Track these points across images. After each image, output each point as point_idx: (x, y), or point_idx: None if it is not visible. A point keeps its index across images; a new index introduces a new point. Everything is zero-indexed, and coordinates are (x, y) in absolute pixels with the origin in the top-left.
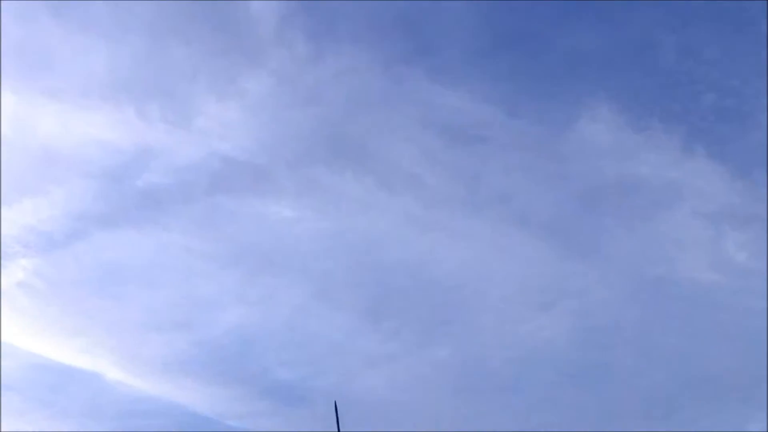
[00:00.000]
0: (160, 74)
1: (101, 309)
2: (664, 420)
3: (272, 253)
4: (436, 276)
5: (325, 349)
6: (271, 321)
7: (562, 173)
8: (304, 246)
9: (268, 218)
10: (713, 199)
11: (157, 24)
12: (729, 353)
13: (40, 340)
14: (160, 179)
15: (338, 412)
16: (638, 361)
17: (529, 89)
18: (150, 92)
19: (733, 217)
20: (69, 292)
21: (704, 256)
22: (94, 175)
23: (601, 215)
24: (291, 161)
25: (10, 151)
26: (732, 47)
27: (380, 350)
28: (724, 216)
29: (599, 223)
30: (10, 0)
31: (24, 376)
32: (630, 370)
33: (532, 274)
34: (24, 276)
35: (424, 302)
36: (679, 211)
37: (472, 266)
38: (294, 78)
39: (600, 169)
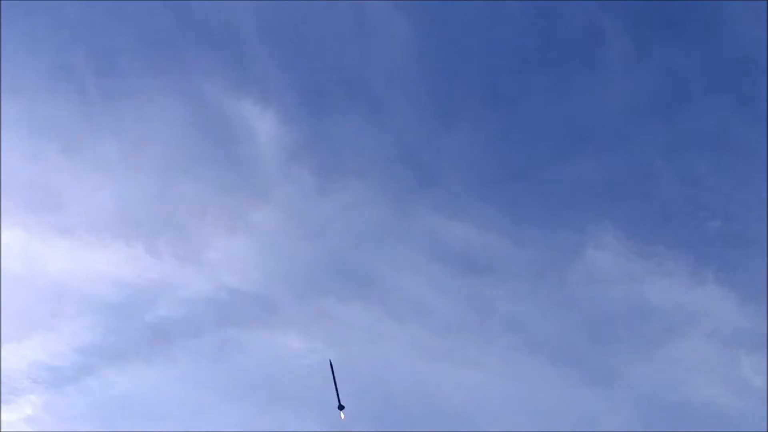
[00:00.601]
0: (170, 210)
1: None
2: None
3: (281, 384)
4: (447, 404)
5: None
6: None
7: (572, 300)
8: (313, 376)
9: (276, 350)
10: (725, 323)
11: (167, 161)
12: None
13: None
14: (168, 313)
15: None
16: None
17: (534, 218)
18: (160, 228)
19: (746, 341)
20: (77, 428)
21: (720, 381)
22: (104, 310)
23: (613, 342)
24: (299, 293)
25: (21, 287)
26: (732, 174)
27: None
28: (737, 340)
29: (611, 349)
30: (21, 139)
31: None
32: None
33: (545, 402)
34: (32, 411)
35: (437, 430)
36: (693, 337)
37: (483, 394)
38: (301, 211)
39: (609, 296)
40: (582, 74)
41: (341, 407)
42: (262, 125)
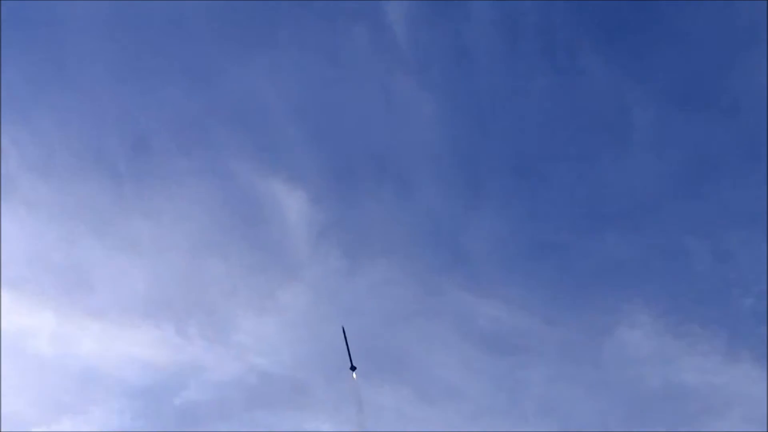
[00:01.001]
0: (199, 291)
1: None
2: None
3: None
4: None
5: None
6: None
7: (605, 381)
8: None
9: None
10: (762, 404)
11: (197, 242)
12: None
13: None
14: (198, 396)
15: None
16: None
17: (565, 296)
18: (189, 309)
19: None
20: None
21: None
22: (133, 393)
23: (649, 423)
24: (328, 375)
25: (51, 370)
26: (765, 250)
27: None
28: None
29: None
30: (52, 221)
31: None
32: None
33: None
34: None
35: None
36: (730, 418)
37: None
38: (330, 291)
39: (643, 377)
40: (609, 150)
41: (353, 368)
42: (292, 205)
